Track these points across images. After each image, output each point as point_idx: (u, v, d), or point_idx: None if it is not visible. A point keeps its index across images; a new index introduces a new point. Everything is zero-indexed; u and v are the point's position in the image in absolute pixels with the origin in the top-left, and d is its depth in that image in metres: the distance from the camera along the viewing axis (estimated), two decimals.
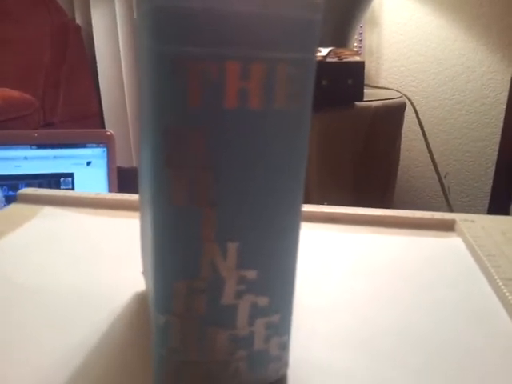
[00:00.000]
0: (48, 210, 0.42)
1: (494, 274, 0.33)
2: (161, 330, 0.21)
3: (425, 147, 1.17)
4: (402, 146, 1.13)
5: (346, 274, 0.34)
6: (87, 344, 0.26)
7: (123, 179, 0.85)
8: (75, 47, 1.51)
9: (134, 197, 0.45)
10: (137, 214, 0.43)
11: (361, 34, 1.34)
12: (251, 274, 0.21)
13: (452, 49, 1.35)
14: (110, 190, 0.81)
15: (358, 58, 0.85)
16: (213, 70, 0.18)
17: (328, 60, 0.84)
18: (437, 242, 0.39)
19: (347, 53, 0.87)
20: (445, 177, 1.40)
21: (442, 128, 1.41)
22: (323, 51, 0.87)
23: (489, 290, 0.33)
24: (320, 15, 0.19)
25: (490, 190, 1.32)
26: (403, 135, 1.12)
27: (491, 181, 1.30)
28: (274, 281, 0.22)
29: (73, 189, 0.81)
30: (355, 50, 1.33)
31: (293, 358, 0.25)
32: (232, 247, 0.20)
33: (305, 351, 0.26)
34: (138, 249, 0.34)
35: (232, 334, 0.21)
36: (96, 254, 0.36)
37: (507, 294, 0.31)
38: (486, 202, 1.31)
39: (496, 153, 1.29)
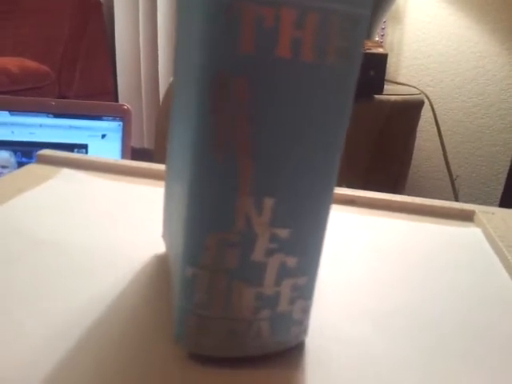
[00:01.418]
0: (67, 172, 0.42)
1: None
2: (187, 282, 0.21)
3: (437, 147, 1.16)
4: (415, 146, 1.12)
5: (364, 254, 0.34)
6: (106, 299, 0.26)
7: (135, 160, 0.85)
8: (95, 23, 1.51)
9: (153, 166, 0.45)
10: (155, 182, 0.43)
11: (383, 29, 1.33)
12: (283, 233, 0.21)
13: (474, 51, 1.34)
14: None
15: (381, 50, 0.84)
16: (268, 15, 0.17)
17: None
18: (455, 230, 0.39)
19: (370, 44, 0.86)
20: (455, 179, 1.39)
21: (456, 130, 1.40)
22: None
23: (506, 276, 0.32)
24: None
25: (499, 196, 1.32)
26: (417, 135, 1.12)
27: (502, 186, 1.30)
28: (305, 242, 0.21)
29: None
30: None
31: (310, 327, 0.24)
32: (268, 203, 0.20)
33: (321, 322, 0.26)
34: (157, 214, 0.34)
35: (258, 291, 0.21)
36: (116, 217, 0.35)
37: None
38: (496, 206, 1.31)
39: (509, 159, 1.28)
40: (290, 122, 0.19)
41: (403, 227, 0.39)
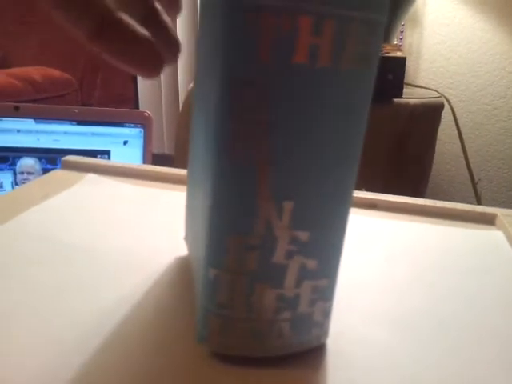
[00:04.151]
0: (91, 177, 0.43)
1: None
2: (210, 284, 0.22)
3: (458, 151, 1.15)
4: (436, 148, 1.11)
5: (385, 257, 0.34)
6: (130, 301, 0.27)
7: (155, 165, 0.86)
8: None
9: (174, 170, 0.46)
10: (176, 187, 0.44)
11: (402, 32, 1.33)
12: (303, 236, 0.21)
13: (494, 53, 1.32)
14: None
15: (399, 54, 0.84)
16: (285, 23, 0.18)
17: None
18: (477, 233, 0.39)
19: (389, 48, 0.86)
20: (477, 183, 1.37)
21: (477, 133, 1.38)
22: None
23: None
24: None
25: None
26: (438, 137, 1.11)
27: None
28: (325, 245, 0.22)
29: None
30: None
31: (331, 330, 0.25)
32: (287, 206, 0.20)
33: (343, 324, 0.26)
34: (179, 217, 0.35)
35: (279, 293, 0.22)
36: (139, 220, 0.36)
37: None
38: None
39: None
40: (308, 127, 0.20)
41: (424, 230, 0.39)
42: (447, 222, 0.41)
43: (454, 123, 1.16)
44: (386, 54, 0.84)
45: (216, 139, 0.20)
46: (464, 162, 1.16)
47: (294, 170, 0.20)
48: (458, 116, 1.22)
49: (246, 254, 0.21)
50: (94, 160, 0.47)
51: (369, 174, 0.94)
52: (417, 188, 1.04)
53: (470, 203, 1.23)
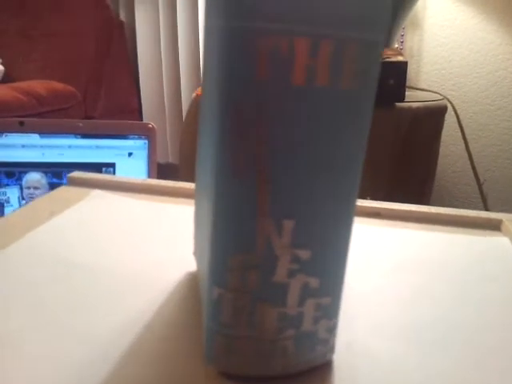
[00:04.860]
0: (97, 193, 0.44)
1: None
2: (213, 303, 0.22)
3: (463, 152, 1.15)
4: (440, 150, 1.11)
5: (391, 267, 0.34)
6: (140, 320, 0.27)
7: (160, 175, 0.87)
8: (118, 43, 1.55)
9: (180, 184, 0.46)
10: (183, 201, 0.44)
11: (402, 35, 1.33)
12: (305, 254, 0.21)
13: (496, 53, 1.32)
14: None
15: (400, 58, 0.84)
16: (282, 46, 0.18)
17: None
18: (483, 240, 0.39)
19: (390, 53, 0.86)
20: (482, 183, 1.36)
21: (481, 134, 1.38)
22: None
23: None
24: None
25: None
26: (442, 139, 1.10)
27: None
28: (327, 263, 0.22)
29: None
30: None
31: (338, 343, 0.25)
32: (288, 224, 0.21)
33: (349, 337, 0.26)
34: (187, 232, 0.35)
35: (282, 312, 0.22)
36: (146, 236, 0.37)
37: None
38: None
39: None
40: (307, 146, 0.20)
41: (429, 239, 0.39)
42: (452, 229, 0.41)
43: (457, 125, 1.16)
44: (387, 59, 0.84)
45: (217, 157, 0.20)
46: (469, 163, 1.16)
47: (293, 188, 0.20)
48: (461, 117, 1.22)
49: (247, 273, 0.21)
50: (99, 175, 0.47)
51: (373, 179, 0.94)
52: (422, 191, 1.03)
53: (476, 204, 1.22)
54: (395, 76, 0.84)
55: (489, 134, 1.37)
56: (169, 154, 1.68)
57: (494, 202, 1.39)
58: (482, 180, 1.34)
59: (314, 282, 0.22)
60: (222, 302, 0.22)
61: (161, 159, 1.61)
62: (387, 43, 1.00)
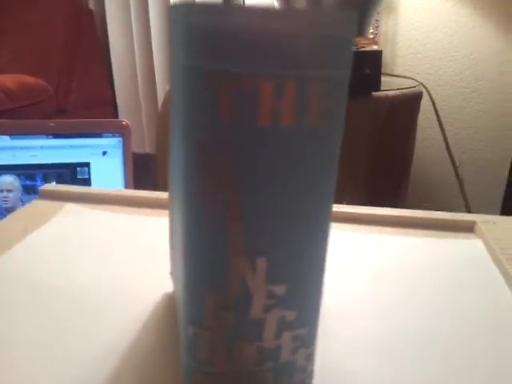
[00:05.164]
0: (71, 207, 0.43)
1: None
2: (190, 341, 0.22)
3: (439, 136, 1.16)
4: (417, 134, 1.12)
5: (365, 276, 0.34)
6: (114, 351, 0.26)
7: (138, 165, 0.86)
8: (88, 33, 1.51)
9: (155, 194, 0.46)
10: (158, 212, 0.43)
11: (377, 20, 1.32)
12: (280, 290, 0.21)
13: (470, 36, 1.32)
14: (126, 180, 0.82)
15: (375, 47, 0.84)
16: (246, 87, 0.18)
17: None
18: (457, 243, 0.39)
19: (364, 42, 0.86)
20: (459, 166, 1.38)
21: (456, 116, 1.39)
22: None
23: (509, 295, 0.33)
24: (355, 31, 0.19)
25: (505, 178, 1.31)
26: (418, 123, 1.11)
27: (507, 169, 1.29)
28: (303, 295, 0.22)
29: (89, 178, 0.81)
30: (371, 36, 1.31)
31: (317, 364, 0.25)
32: (261, 262, 0.20)
33: (328, 358, 0.26)
34: (164, 248, 0.34)
35: (259, 346, 0.22)
36: (122, 253, 0.36)
37: None
38: (502, 190, 1.30)
39: (511, 142, 1.28)
40: (275, 184, 0.19)
41: (404, 244, 0.39)
42: (427, 232, 0.41)
43: (432, 108, 1.17)
44: (362, 49, 0.84)
45: (185, 197, 0.20)
46: (444, 145, 1.17)
47: (265, 226, 0.20)
48: (436, 101, 1.23)
49: (222, 312, 0.21)
50: (71, 188, 0.46)
51: (351, 171, 0.94)
52: (401, 178, 1.04)
53: (453, 186, 1.23)
54: (370, 65, 0.84)
55: (464, 117, 1.39)
56: (145, 144, 1.66)
57: (471, 183, 1.42)
58: (458, 162, 1.35)
59: (290, 315, 0.22)
60: (199, 340, 0.22)
61: (138, 149, 1.59)
62: (361, 32, 1.00)
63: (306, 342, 0.23)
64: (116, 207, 0.44)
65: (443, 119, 1.29)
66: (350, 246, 0.38)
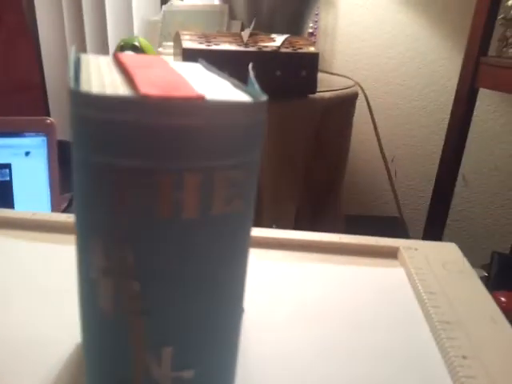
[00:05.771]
0: None
1: (433, 315, 0.34)
2: None
3: (373, 132, 1.18)
4: (353, 129, 1.13)
5: (288, 314, 0.34)
6: None
7: (66, 153, 0.81)
8: (12, 9, 1.40)
9: (73, 218, 0.43)
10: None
11: (317, 14, 1.31)
12: (188, 374, 0.20)
13: (406, 33, 1.35)
14: (51, 182, 0.77)
15: (312, 49, 0.83)
16: (142, 181, 0.16)
17: (282, 50, 0.81)
18: (380, 273, 0.40)
19: (302, 42, 0.85)
20: (392, 160, 1.43)
21: (391, 113, 1.43)
22: (278, 40, 0.84)
23: (427, 333, 0.34)
24: (264, 114, 0.18)
25: (435, 174, 1.36)
26: (355, 119, 1.13)
27: (436, 166, 1.34)
28: (213, 377, 0.21)
29: (11, 180, 0.76)
30: (311, 31, 1.30)
31: None
32: (166, 352, 0.19)
33: None
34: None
35: None
36: (32, 291, 0.33)
37: (444, 339, 0.32)
38: (431, 185, 1.35)
39: (442, 138, 1.32)
40: (178, 276, 0.18)
41: (330, 273, 0.39)
42: (352, 258, 0.42)
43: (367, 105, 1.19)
44: (299, 50, 0.83)
45: (83, 292, 0.18)
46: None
47: (169, 318, 0.19)
48: (372, 97, 1.25)
49: None
50: None
51: (288, 169, 0.94)
52: (336, 176, 1.06)
53: (386, 180, 1.26)
54: (307, 67, 0.83)
55: (399, 114, 1.42)
56: None
57: (403, 177, 1.47)
58: (391, 158, 1.40)
59: None
60: None
61: (66, 137, 1.52)
62: (298, 31, 0.99)
63: None
64: (31, 233, 0.41)
65: (378, 115, 1.32)
66: (273, 277, 0.38)
